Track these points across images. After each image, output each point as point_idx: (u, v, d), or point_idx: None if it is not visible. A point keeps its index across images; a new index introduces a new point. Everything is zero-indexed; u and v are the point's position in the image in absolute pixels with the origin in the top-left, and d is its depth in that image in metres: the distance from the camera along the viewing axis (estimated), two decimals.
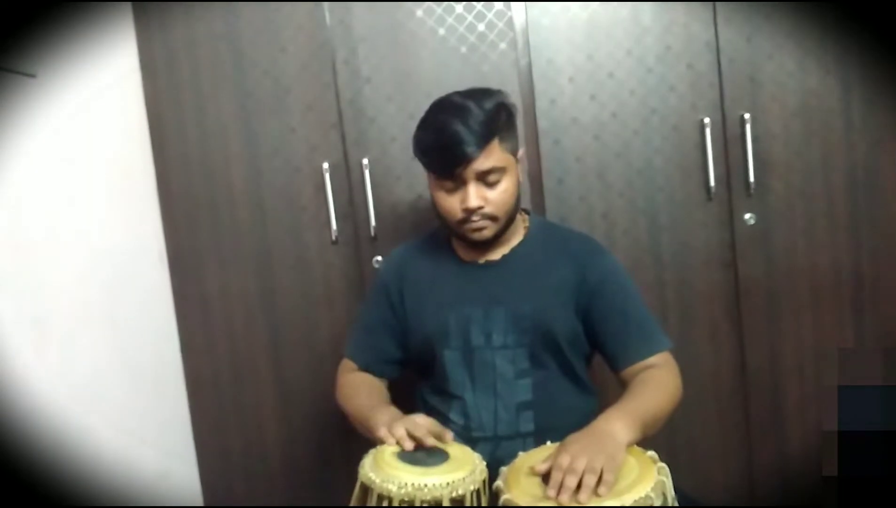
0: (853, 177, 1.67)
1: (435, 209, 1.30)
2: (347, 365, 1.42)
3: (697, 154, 1.68)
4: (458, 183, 1.23)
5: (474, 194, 1.22)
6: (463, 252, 1.36)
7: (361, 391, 1.34)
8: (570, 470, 0.95)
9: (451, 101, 1.25)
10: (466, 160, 1.19)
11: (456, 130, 1.19)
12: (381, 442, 1.11)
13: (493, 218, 1.25)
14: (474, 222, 1.24)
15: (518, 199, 1.30)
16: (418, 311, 1.36)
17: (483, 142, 1.20)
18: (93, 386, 1.50)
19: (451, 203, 1.25)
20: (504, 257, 1.33)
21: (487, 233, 1.27)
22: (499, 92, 1.27)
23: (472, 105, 1.21)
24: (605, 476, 0.95)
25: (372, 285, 1.46)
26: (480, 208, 1.23)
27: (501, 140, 1.23)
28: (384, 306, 1.40)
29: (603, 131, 1.69)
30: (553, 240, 1.36)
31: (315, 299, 1.78)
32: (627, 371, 1.26)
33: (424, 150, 1.25)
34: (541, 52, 1.68)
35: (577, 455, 0.97)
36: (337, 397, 1.38)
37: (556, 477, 0.96)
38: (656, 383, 1.21)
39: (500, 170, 1.23)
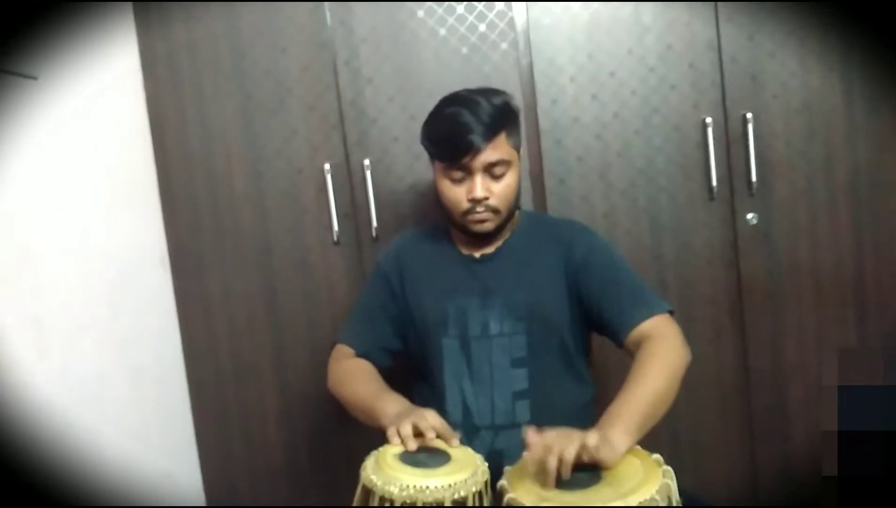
0: (856, 176, 1.66)
1: (438, 199, 1.34)
2: (342, 351, 1.41)
3: (699, 154, 1.68)
4: (466, 173, 1.27)
5: (480, 185, 1.26)
6: (461, 245, 1.39)
7: (360, 376, 1.34)
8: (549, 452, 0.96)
9: (460, 95, 1.30)
10: (475, 150, 1.23)
11: (466, 120, 1.23)
12: (385, 430, 1.12)
13: (495, 211, 1.29)
14: (478, 213, 1.28)
15: (519, 195, 1.33)
16: (418, 299, 1.38)
17: (491, 133, 1.24)
18: (95, 387, 1.50)
19: (457, 193, 1.28)
20: (497, 249, 1.37)
21: (489, 225, 1.30)
22: (505, 92, 1.32)
23: (481, 99, 1.26)
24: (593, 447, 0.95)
25: (371, 274, 1.47)
26: (486, 198, 1.27)
27: (508, 134, 1.28)
28: (385, 294, 1.41)
29: (604, 131, 1.69)
30: (542, 229, 1.41)
31: (317, 299, 1.78)
32: (630, 340, 1.24)
33: (434, 139, 1.30)
34: (542, 52, 1.68)
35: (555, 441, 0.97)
36: (330, 383, 1.37)
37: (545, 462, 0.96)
38: (656, 362, 1.16)
39: (506, 163, 1.27)
